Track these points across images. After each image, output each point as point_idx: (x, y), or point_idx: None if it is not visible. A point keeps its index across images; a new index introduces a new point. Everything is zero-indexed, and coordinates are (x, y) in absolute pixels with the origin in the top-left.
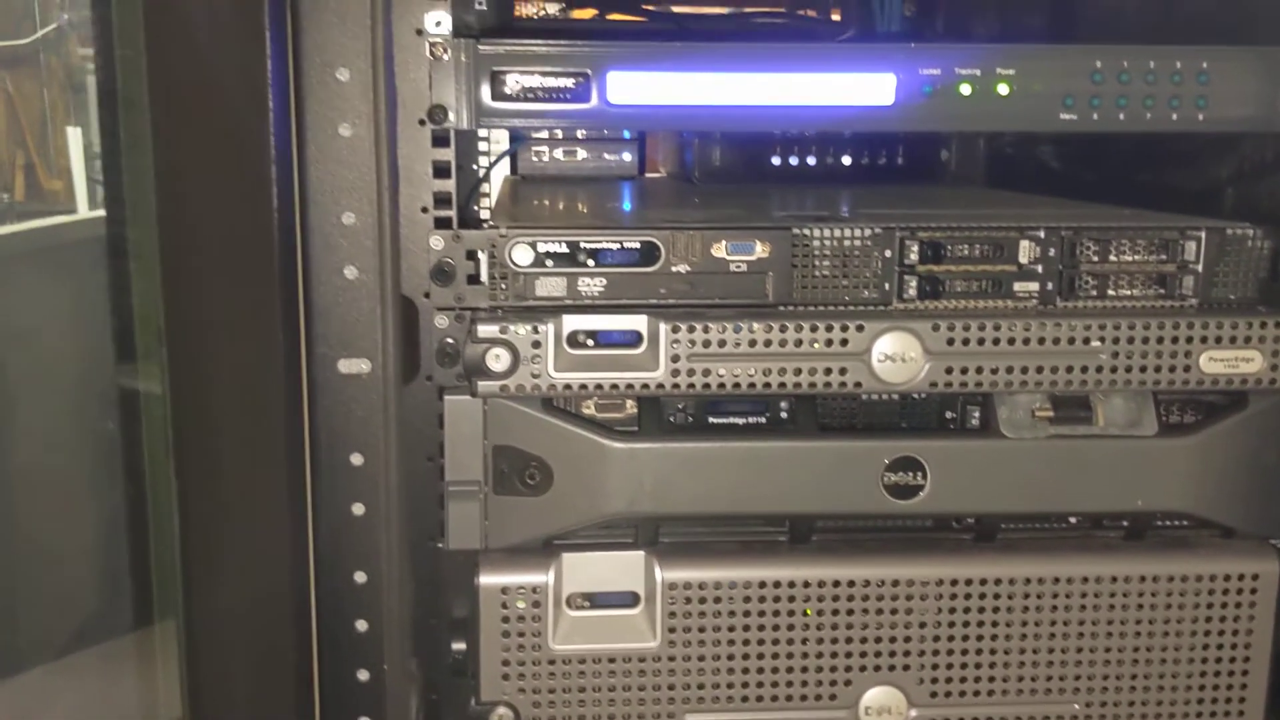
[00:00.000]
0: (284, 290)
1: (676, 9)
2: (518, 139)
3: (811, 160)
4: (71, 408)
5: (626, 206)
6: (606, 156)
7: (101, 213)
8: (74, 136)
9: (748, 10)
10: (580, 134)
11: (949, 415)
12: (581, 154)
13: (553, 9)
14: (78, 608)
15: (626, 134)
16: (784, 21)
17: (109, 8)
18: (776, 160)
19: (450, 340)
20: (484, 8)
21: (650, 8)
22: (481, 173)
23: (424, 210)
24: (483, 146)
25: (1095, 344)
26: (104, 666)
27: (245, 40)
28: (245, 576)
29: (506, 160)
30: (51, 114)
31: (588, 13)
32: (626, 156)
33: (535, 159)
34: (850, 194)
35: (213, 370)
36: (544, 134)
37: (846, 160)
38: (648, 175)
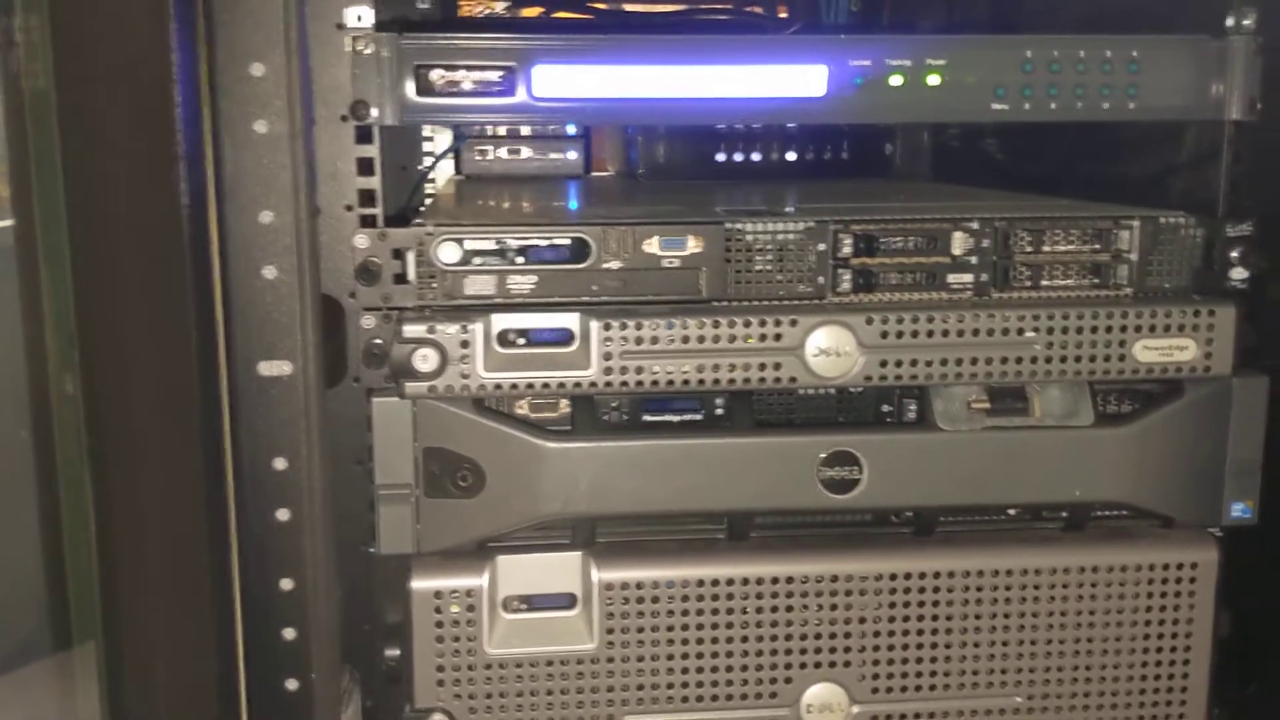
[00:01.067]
0: (198, 291)
1: (626, 7)
2: (460, 138)
3: (756, 156)
4: None
5: (569, 204)
6: (551, 155)
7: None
8: None
9: (694, 7)
10: (524, 132)
11: (886, 409)
12: (526, 152)
13: (499, 7)
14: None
15: (571, 131)
16: (730, 18)
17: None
18: (721, 156)
19: (377, 341)
20: (427, 6)
21: (598, 5)
22: (424, 172)
23: (348, 208)
24: (427, 146)
25: (1030, 334)
26: (20, 692)
27: (151, 36)
28: (166, 587)
29: (452, 160)
30: None
31: (534, 11)
32: (572, 155)
33: (479, 158)
34: (793, 189)
35: (126, 374)
36: (487, 132)
37: (791, 155)
38: (594, 174)
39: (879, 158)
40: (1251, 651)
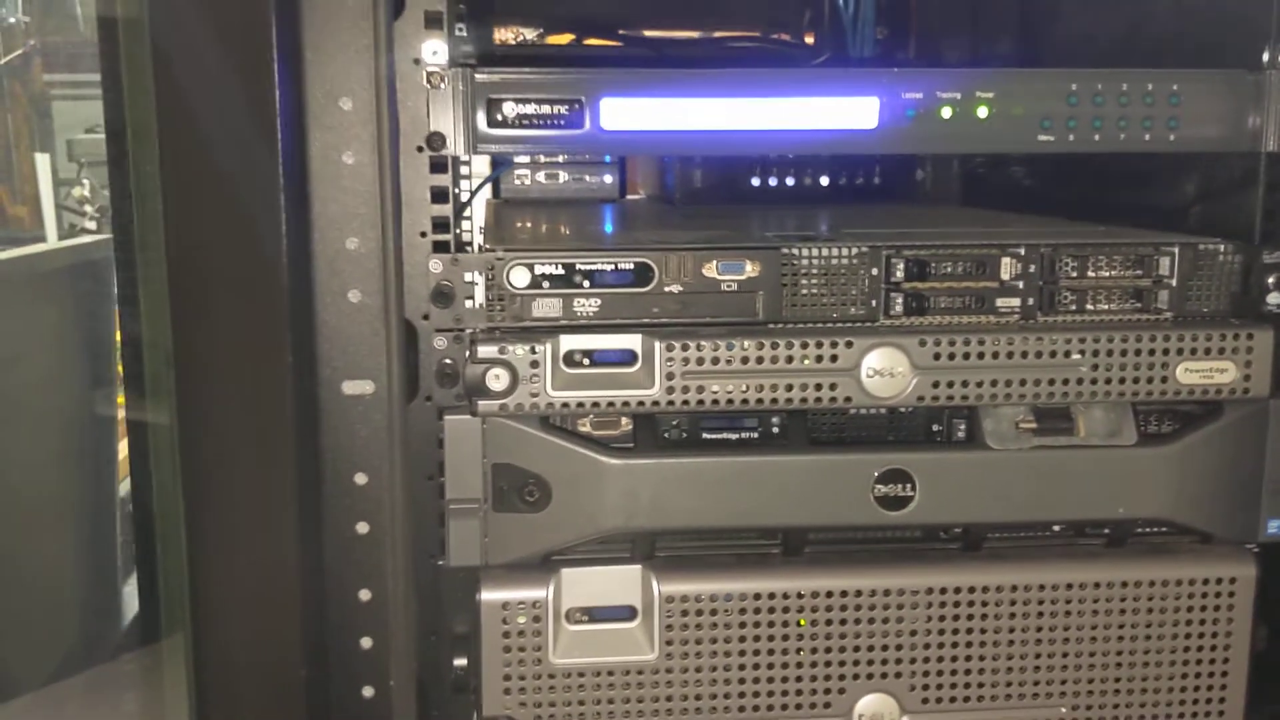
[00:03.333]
0: (293, 314)
1: (650, 33)
2: (503, 163)
3: (790, 181)
4: (48, 433)
5: (613, 228)
6: (588, 179)
7: (71, 241)
8: (42, 163)
9: (722, 34)
10: (562, 157)
11: (935, 428)
12: (563, 177)
13: (530, 35)
14: (68, 634)
15: (608, 157)
16: (758, 45)
17: (115, 39)
18: (756, 181)
19: (449, 361)
20: (463, 34)
21: (625, 33)
22: (466, 197)
23: (422, 235)
24: (464, 171)
25: (1075, 357)
26: (98, 693)
27: (255, 72)
28: (254, 595)
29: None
30: (16, 141)
31: (564, 38)
32: (608, 179)
33: (518, 182)
34: (829, 213)
35: (221, 393)
36: (527, 158)
37: (824, 181)
38: (628, 197)
39: (909, 183)
40: None
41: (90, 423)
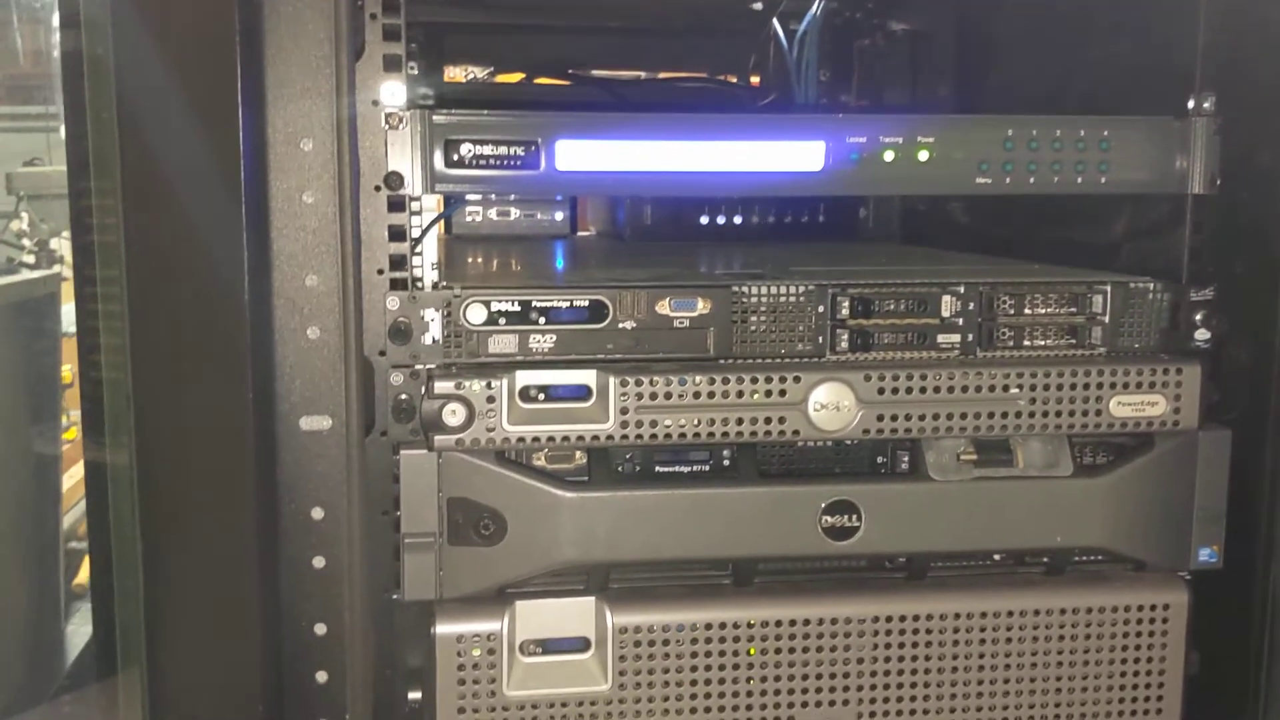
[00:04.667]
0: (254, 351)
1: (599, 73)
2: (455, 200)
3: (738, 219)
4: None
5: (566, 265)
6: (539, 216)
7: (11, 278)
8: None
9: (671, 75)
10: (512, 195)
11: (880, 460)
12: (515, 214)
13: (480, 74)
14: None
15: (559, 195)
16: (705, 86)
17: (80, 76)
18: (705, 219)
19: (405, 397)
20: (415, 73)
21: (575, 72)
22: (417, 234)
23: (380, 272)
24: (415, 207)
25: (1014, 391)
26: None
27: (218, 114)
28: (211, 630)
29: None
30: None
31: (514, 77)
32: (559, 216)
33: (469, 219)
34: (774, 251)
35: (180, 429)
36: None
37: (771, 219)
38: (579, 234)
39: (853, 220)
40: (1220, 689)
41: (30, 460)
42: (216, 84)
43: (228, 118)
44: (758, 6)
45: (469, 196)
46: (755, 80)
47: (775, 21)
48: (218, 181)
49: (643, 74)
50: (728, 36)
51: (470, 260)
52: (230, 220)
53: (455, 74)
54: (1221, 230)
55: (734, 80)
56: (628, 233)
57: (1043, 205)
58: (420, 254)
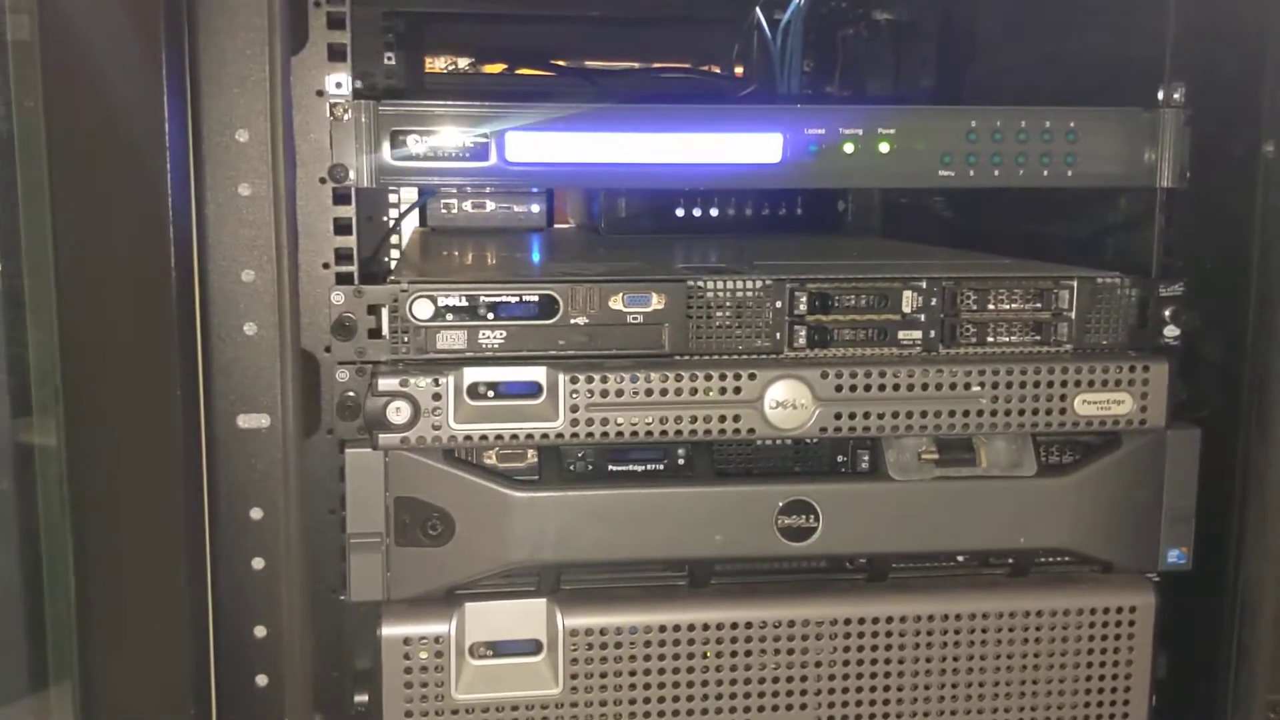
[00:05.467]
0: (182, 347)
1: (582, 64)
2: (428, 192)
3: (715, 212)
4: None
5: (529, 258)
6: (515, 209)
7: None
8: None
9: (654, 66)
10: (489, 187)
11: (840, 459)
12: (490, 206)
13: (463, 64)
14: None
15: (535, 187)
16: (689, 77)
17: (5, 62)
18: (681, 212)
19: (351, 394)
20: (392, 63)
21: (557, 63)
22: (391, 226)
23: (325, 266)
24: (393, 199)
25: (975, 389)
26: None
27: (144, 104)
28: (144, 633)
29: (417, 212)
30: None
31: (498, 68)
32: (535, 208)
33: (444, 211)
34: (750, 245)
35: (110, 426)
36: (452, 187)
37: (749, 211)
38: (557, 226)
39: (833, 214)
40: (1190, 692)
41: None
42: (141, 73)
43: (153, 107)
44: None
45: (444, 189)
46: (739, 71)
47: (759, 11)
48: (143, 172)
49: (624, 64)
50: (712, 26)
51: (433, 254)
52: (155, 213)
53: (437, 64)
54: (1193, 224)
55: (718, 71)
56: (603, 225)
57: (1025, 199)
58: (397, 245)
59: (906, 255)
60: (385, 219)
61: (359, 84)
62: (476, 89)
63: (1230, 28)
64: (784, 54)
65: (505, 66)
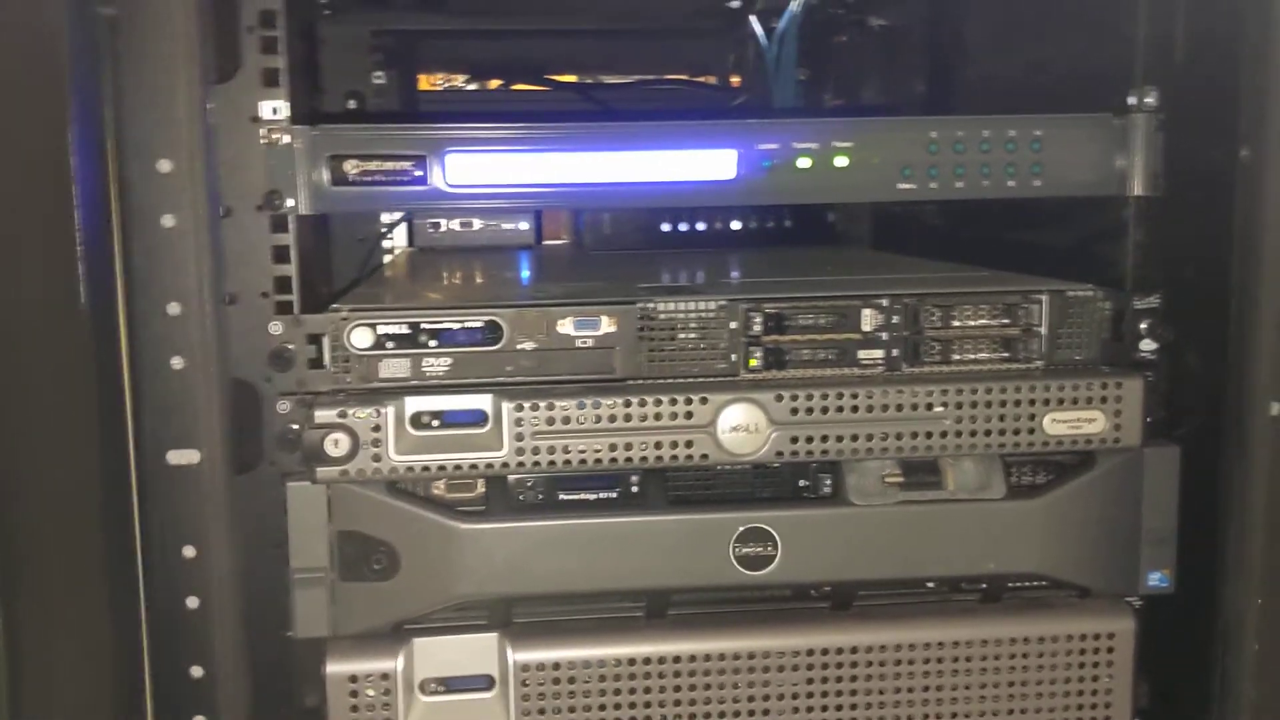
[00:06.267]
0: (106, 382)
1: (578, 78)
2: (409, 211)
3: (701, 226)
4: None
5: (519, 276)
6: (504, 226)
7: None
8: None
9: (649, 78)
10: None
11: (802, 483)
12: (477, 224)
13: (460, 81)
14: None
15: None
16: (683, 88)
17: None
18: (667, 227)
19: (293, 426)
20: (382, 82)
21: (555, 78)
22: (371, 246)
23: (264, 295)
24: (386, 219)
25: (939, 409)
26: None
27: (48, 135)
28: (73, 675)
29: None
30: None
31: (494, 83)
32: (523, 226)
33: (431, 230)
34: (730, 260)
35: (29, 468)
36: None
37: (736, 225)
38: (546, 243)
39: (821, 226)
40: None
41: None
42: (46, 103)
43: (57, 138)
44: (735, 4)
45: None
46: (736, 81)
47: (754, 20)
48: (49, 206)
49: (619, 78)
50: (706, 37)
51: (402, 276)
52: (63, 246)
53: (431, 82)
54: (1172, 234)
55: (714, 81)
56: (588, 242)
57: (1015, 209)
58: (382, 266)
59: (882, 269)
60: (383, 239)
61: (352, 104)
62: (469, 105)
63: (1204, 30)
64: (779, 64)
65: (500, 82)
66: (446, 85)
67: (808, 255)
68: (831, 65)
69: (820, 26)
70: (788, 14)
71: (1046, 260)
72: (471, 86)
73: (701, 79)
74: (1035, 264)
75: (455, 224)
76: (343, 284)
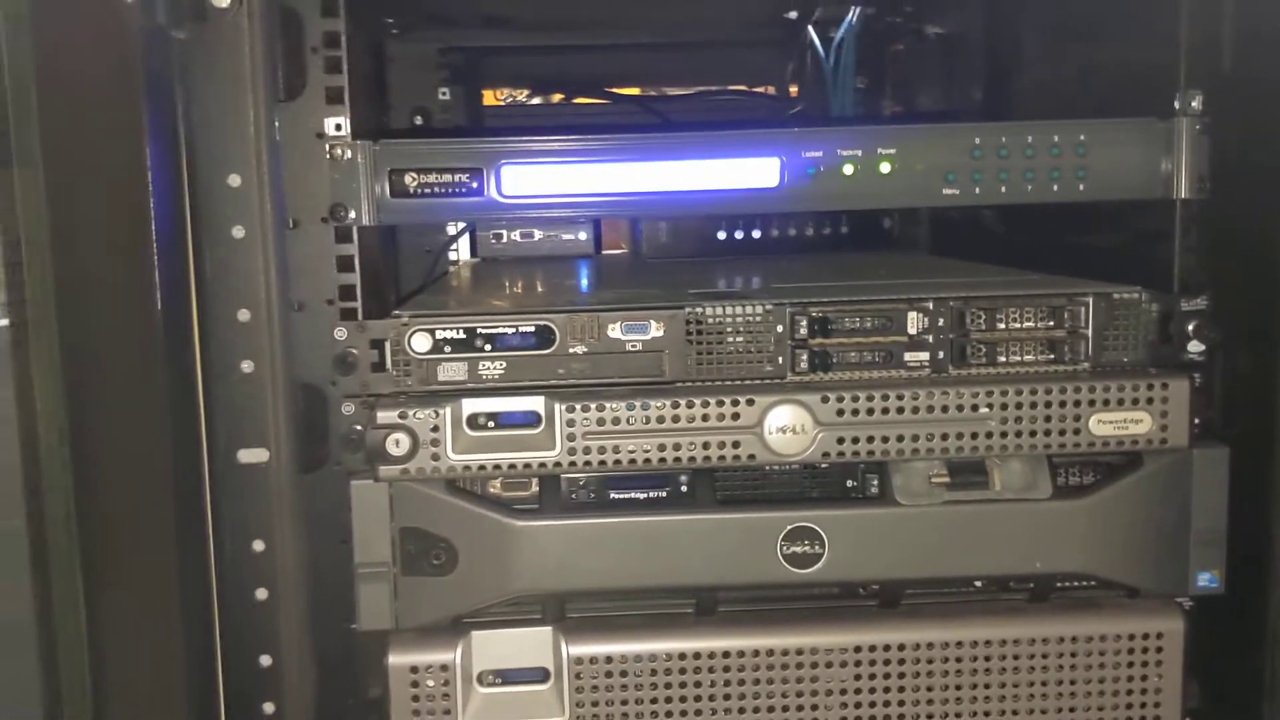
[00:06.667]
0: (174, 386)
1: (637, 91)
2: (471, 225)
3: (757, 234)
4: None
5: (579, 284)
6: (563, 237)
7: None
8: None
9: (707, 90)
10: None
11: (850, 484)
12: (538, 235)
13: (522, 96)
14: None
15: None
16: (742, 99)
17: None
18: (722, 234)
19: (357, 427)
20: (447, 98)
21: (616, 91)
22: (436, 256)
23: (329, 303)
24: (452, 230)
25: (984, 411)
26: None
27: (127, 152)
28: (152, 664)
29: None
30: None
31: (557, 97)
32: (582, 236)
33: (494, 241)
34: (784, 267)
35: (112, 465)
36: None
37: (792, 232)
38: (606, 252)
39: (878, 232)
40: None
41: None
42: (122, 123)
43: (135, 155)
44: (792, 15)
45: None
46: (794, 91)
47: (811, 30)
48: (129, 219)
49: (679, 90)
50: (764, 48)
51: (464, 284)
52: (142, 256)
53: (495, 97)
54: (1220, 236)
55: (772, 92)
56: (645, 250)
57: (1071, 213)
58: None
59: (932, 274)
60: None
61: (419, 120)
62: (532, 119)
63: (1252, 32)
64: (837, 74)
65: (562, 96)
66: (510, 100)
67: (861, 261)
68: (889, 74)
69: (878, 36)
70: (845, 24)
71: (1104, 264)
72: (534, 101)
73: (760, 89)
74: (1093, 268)
75: (516, 235)
76: (410, 294)
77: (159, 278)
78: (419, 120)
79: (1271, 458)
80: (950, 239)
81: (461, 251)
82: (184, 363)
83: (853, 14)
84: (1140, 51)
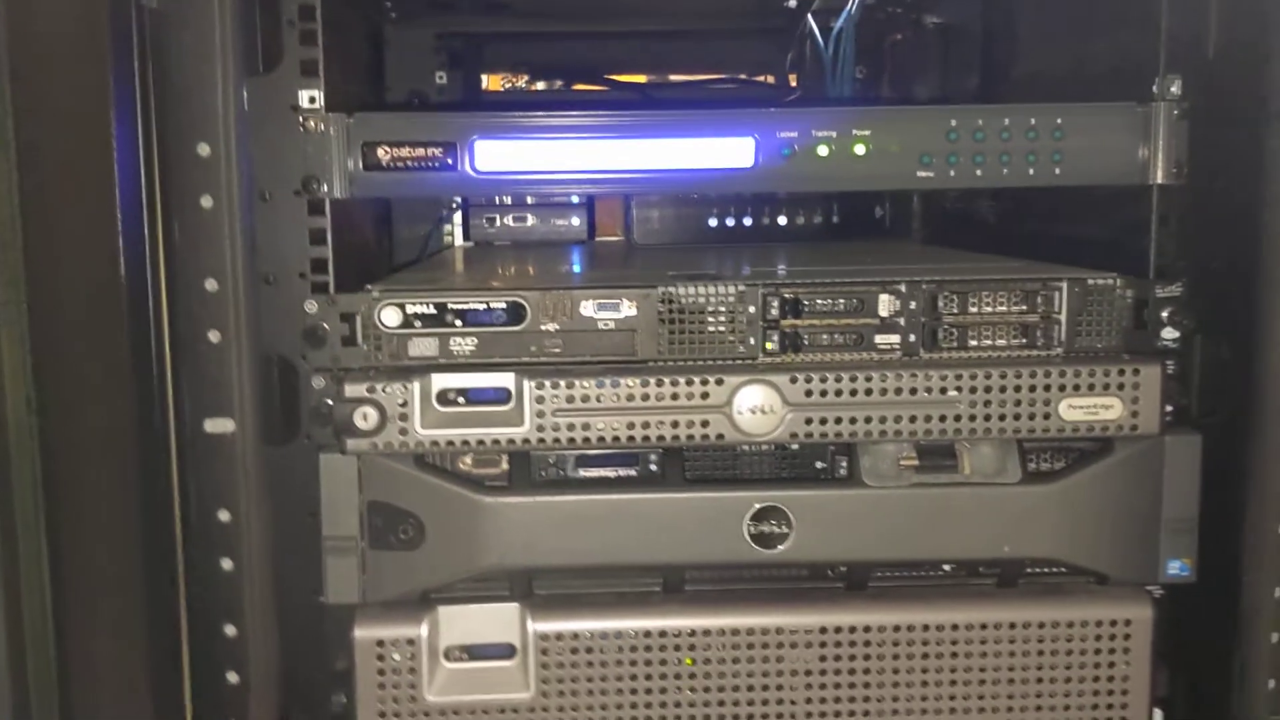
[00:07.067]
0: (136, 354)
1: (635, 78)
2: (465, 205)
3: (748, 221)
4: None
5: (564, 267)
6: (556, 222)
7: None
8: None
9: (707, 78)
10: (529, 200)
11: (819, 465)
12: (531, 220)
13: (520, 83)
14: None
15: (575, 199)
16: (739, 87)
17: None
18: (714, 221)
19: (327, 401)
20: (444, 82)
21: (614, 78)
22: (426, 237)
23: (301, 275)
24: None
25: (953, 394)
26: None
27: (91, 118)
28: (114, 629)
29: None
30: None
31: (553, 84)
32: (575, 221)
33: (486, 225)
34: (769, 252)
35: (77, 431)
36: (495, 201)
37: (782, 220)
38: (600, 239)
39: (870, 221)
40: (1196, 710)
41: None
42: (89, 91)
43: (99, 124)
44: (792, 4)
45: (491, 201)
46: (793, 80)
47: (810, 19)
48: (91, 186)
49: (677, 78)
50: (764, 37)
51: (448, 265)
52: (104, 224)
53: (493, 82)
54: (1197, 222)
55: (772, 80)
56: (638, 236)
57: (1062, 200)
58: (431, 255)
59: (915, 260)
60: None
61: (415, 100)
62: (529, 105)
63: (1232, 17)
64: (836, 62)
65: (560, 82)
66: (508, 85)
67: (850, 248)
68: (888, 64)
69: (877, 25)
70: (845, 13)
71: (1091, 251)
72: (534, 87)
73: (759, 78)
74: (1085, 256)
75: (509, 219)
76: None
77: (122, 244)
78: (415, 104)
79: (1246, 446)
80: (942, 228)
81: (456, 237)
82: (148, 330)
83: (852, 3)
84: (1126, 38)
